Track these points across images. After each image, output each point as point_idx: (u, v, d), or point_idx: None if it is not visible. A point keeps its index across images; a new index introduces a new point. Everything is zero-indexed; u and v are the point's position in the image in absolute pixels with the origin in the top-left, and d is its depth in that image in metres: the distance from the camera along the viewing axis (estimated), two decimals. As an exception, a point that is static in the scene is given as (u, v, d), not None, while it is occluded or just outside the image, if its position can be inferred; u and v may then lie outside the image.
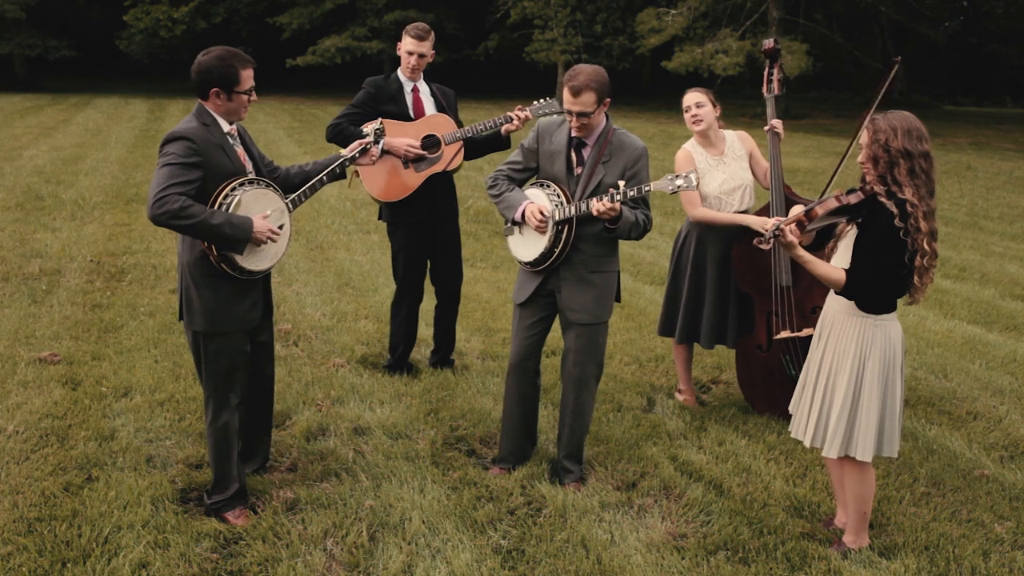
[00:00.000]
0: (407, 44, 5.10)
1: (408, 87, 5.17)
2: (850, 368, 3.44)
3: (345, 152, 4.05)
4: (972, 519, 3.91)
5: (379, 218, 5.36)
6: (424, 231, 5.24)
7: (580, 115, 3.79)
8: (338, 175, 3.99)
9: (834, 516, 3.85)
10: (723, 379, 5.56)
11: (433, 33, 5.17)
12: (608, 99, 3.84)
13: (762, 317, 4.84)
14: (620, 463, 4.31)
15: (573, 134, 3.94)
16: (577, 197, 3.90)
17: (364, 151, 4.10)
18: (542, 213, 3.89)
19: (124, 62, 34.44)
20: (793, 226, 3.37)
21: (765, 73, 5.01)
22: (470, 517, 3.76)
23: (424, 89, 5.23)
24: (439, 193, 5.19)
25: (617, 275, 4.09)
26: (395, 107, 5.13)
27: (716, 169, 4.80)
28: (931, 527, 3.81)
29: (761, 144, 5.15)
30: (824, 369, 3.53)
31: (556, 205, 3.88)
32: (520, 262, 4.08)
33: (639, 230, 3.90)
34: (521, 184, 4.12)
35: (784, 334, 4.72)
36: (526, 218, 3.93)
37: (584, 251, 3.94)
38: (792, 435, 3.70)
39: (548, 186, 3.97)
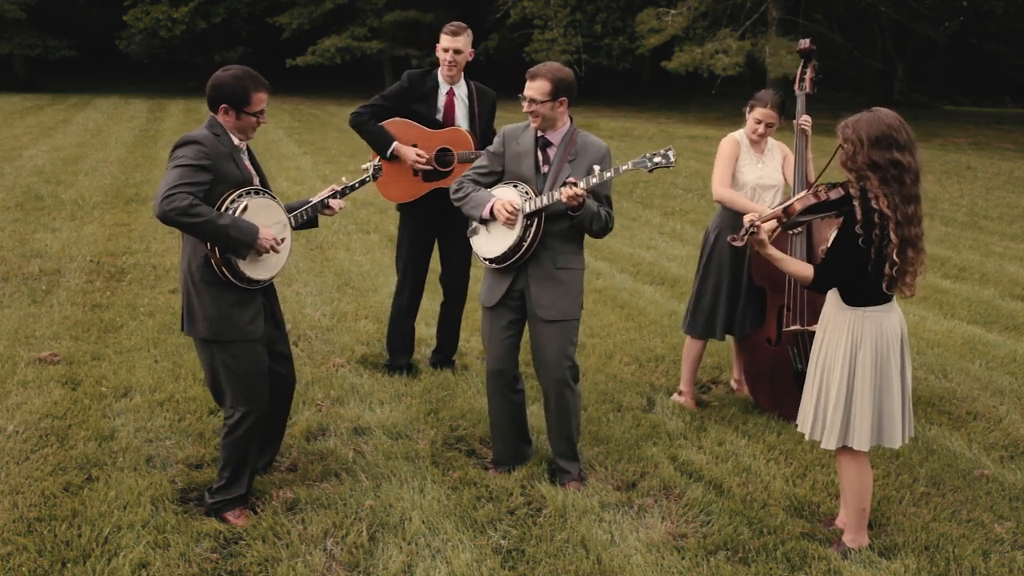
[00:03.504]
0: (441, 41, 5.09)
1: (444, 89, 5.16)
2: (842, 360, 3.47)
3: (322, 197, 4.00)
4: (972, 519, 3.91)
5: (396, 208, 5.41)
6: (433, 228, 5.31)
7: (531, 101, 3.87)
8: (314, 221, 3.99)
9: (834, 516, 3.85)
10: (723, 379, 5.56)
11: (469, 31, 5.14)
12: (565, 98, 3.91)
13: (773, 310, 4.88)
14: (620, 463, 4.31)
15: (531, 125, 3.98)
16: (545, 194, 3.92)
17: (363, 183, 4.18)
18: (512, 205, 3.92)
19: (124, 62, 34.40)
20: (767, 224, 3.42)
21: (799, 71, 5.13)
22: (470, 517, 3.76)
23: (461, 93, 5.21)
24: (450, 205, 5.22)
25: (583, 274, 4.12)
26: (424, 108, 5.14)
27: (756, 163, 4.98)
28: (931, 527, 3.80)
29: (786, 141, 5.24)
30: (820, 363, 3.57)
31: (525, 200, 3.92)
32: (486, 260, 4.08)
33: (600, 223, 3.95)
34: (487, 188, 4.13)
35: (794, 327, 4.75)
36: (495, 212, 3.95)
37: (552, 247, 3.97)
38: (798, 429, 3.70)
39: (517, 185, 4.01)
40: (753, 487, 4.11)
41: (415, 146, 5.08)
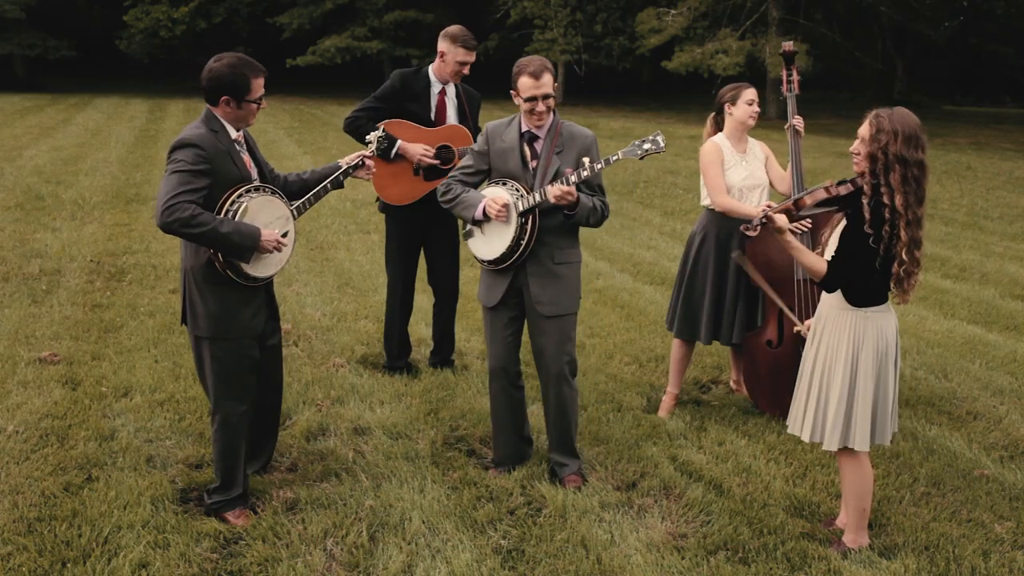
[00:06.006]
0: (459, 54, 5.01)
1: (436, 88, 5.15)
2: (844, 361, 3.47)
3: (344, 161, 4.03)
4: (972, 519, 3.91)
5: (380, 209, 5.37)
6: (420, 229, 5.30)
7: (545, 97, 3.87)
8: (340, 183, 3.98)
9: (834, 516, 3.85)
10: (723, 379, 5.56)
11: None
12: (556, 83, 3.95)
13: (773, 312, 4.85)
14: (620, 463, 4.31)
15: (526, 127, 3.97)
16: (536, 189, 3.91)
17: (363, 163, 4.08)
18: (502, 200, 3.89)
19: (124, 62, 34.42)
20: (779, 217, 3.42)
21: (784, 74, 5.12)
22: (470, 517, 3.76)
23: (451, 92, 5.20)
24: (436, 206, 5.21)
25: (580, 267, 4.11)
26: (418, 107, 5.12)
27: (740, 164, 4.92)
28: (931, 527, 3.81)
29: (781, 141, 5.23)
30: (819, 364, 3.56)
31: (517, 198, 3.90)
32: (484, 263, 4.05)
33: (597, 216, 3.95)
34: (475, 188, 4.10)
35: (799, 328, 4.72)
36: (486, 210, 3.91)
37: (548, 243, 3.96)
38: (789, 430, 3.71)
39: (507, 183, 3.98)
40: (753, 487, 4.11)
41: None
